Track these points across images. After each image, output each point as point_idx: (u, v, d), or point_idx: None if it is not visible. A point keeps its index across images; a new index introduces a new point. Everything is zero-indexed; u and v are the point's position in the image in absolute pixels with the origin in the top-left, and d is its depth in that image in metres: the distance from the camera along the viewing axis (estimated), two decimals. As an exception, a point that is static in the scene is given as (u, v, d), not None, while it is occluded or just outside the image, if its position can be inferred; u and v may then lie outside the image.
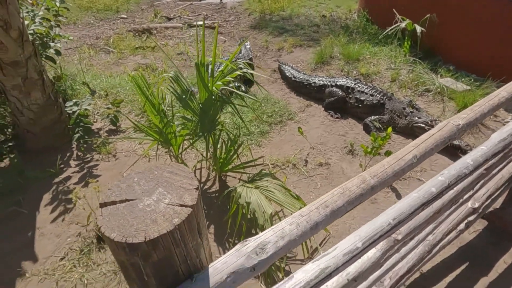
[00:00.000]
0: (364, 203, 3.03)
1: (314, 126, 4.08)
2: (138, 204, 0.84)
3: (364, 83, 4.27)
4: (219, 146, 3.08)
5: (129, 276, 0.87)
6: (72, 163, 3.51)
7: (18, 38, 3.05)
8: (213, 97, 2.85)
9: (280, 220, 2.77)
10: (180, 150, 3.12)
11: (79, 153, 3.62)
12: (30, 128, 3.47)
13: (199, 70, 2.78)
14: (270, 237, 0.97)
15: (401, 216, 1.49)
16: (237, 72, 2.83)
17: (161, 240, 0.78)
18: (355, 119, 4.17)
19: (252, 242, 0.95)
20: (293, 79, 4.74)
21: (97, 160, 3.53)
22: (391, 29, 5.28)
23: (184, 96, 2.81)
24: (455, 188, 1.91)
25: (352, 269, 1.49)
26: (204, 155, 3.17)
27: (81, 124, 3.57)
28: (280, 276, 2.39)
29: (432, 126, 3.55)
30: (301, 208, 2.31)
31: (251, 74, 4.71)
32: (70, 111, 3.59)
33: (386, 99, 4.00)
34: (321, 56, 5.36)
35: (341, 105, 4.24)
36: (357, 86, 4.19)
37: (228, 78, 2.83)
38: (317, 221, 1.03)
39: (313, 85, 4.50)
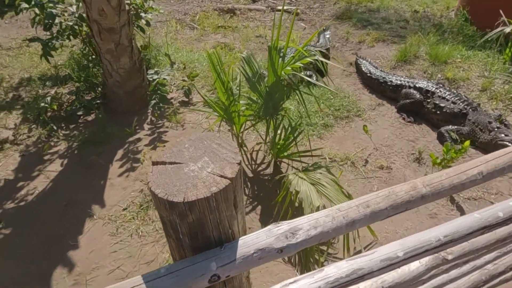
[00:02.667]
0: (422, 215, 2.84)
1: (382, 127, 3.88)
2: (184, 168, 0.91)
3: (448, 88, 3.90)
4: (279, 131, 3.10)
5: (167, 231, 0.95)
6: (146, 126, 3.84)
7: (116, 7, 3.38)
8: (281, 82, 2.87)
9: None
10: (242, 130, 3.22)
11: (153, 119, 3.94)
12: (116, 90, 3.86)
13: (271, 54, 2.81)
14: (303, 224, 0.98)
15: (455, 235, 1.38)
16: (308, 59, 2.80)
17: (197, 203, 0.84)
18: (430, 126, 3.86)
19: (285, 226, 0.98)
20: (368, 74, 4.53)
21: (167, 127, 3.81)
22: (494, 33, 4.70)
23: (253, 78, 2.88)
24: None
25: (390, 278, 1.43)
26: (264, 138, 3.22)
27: (158, 92, 3.86)
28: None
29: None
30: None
31: (324, 65, 4.62)
32: (151, 79, 3.90)
33: (470, 109, 3.61)
34: (404, 54, 5.01)
35: (417, 109, 3.95)
36: (438, 90, 3.85)
37: (298, 64, 2.82)
38: (354, 219, 1.01)
39: (389, 83, 4.25)
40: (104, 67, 3.75)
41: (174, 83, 4.48)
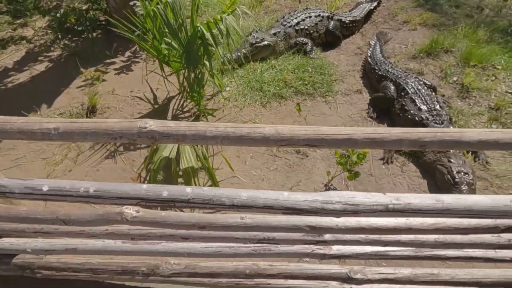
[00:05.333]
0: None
1: (339, 115, 3.54)
2: None
3: (430, 92, 3.28)
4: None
5: None
6: (127, 54, 4.24)
7: None
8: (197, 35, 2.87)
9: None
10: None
11: (137, 49, 4.30)
12: (113, 15, 4.28)
13: (193, 4, 2.80)
14: None
15: (106, 194, 1.43)
16: (218, 17, 2.71)
17: None
18: (391, 129, 3.36)
19: None
20: (369, 58, 4.02)
21: (141, 59, 4.14)
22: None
23: (173, 25, 2.92)
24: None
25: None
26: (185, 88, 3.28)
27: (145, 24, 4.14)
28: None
29: (455, 183, 2.59)
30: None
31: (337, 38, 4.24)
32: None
33: (433, 122, 3.02)
34: (431, 45, 4.22)
35: (388, 107, 3.45)
36: (414, 91, 3.26)
37: (210, 19, 2.76)
38: None
39: (377, 71, 3.73)
40: (105, -8, 4.17)
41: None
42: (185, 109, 3.49)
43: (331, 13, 4.62)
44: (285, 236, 1.67)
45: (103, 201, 1.44)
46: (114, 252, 1.92)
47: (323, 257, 1.82)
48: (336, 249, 1.81)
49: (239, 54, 3.89)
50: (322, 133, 1.15)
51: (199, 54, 2.97)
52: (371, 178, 2.92)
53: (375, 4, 5.22)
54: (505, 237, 1.60)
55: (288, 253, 1.82)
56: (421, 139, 1.12)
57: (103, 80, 3.81)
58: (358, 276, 1.91)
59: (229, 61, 3.42)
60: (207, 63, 2.93)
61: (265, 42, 4.00)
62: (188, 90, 3.16)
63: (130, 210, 1.56)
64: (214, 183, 2.56)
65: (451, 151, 2.80)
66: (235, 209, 1.40)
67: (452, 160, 2.72)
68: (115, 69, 3.99)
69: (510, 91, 3.62)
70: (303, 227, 1.53)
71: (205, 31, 2.75)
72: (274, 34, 4.17)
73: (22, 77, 3.89)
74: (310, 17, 4.43)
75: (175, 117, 3.40)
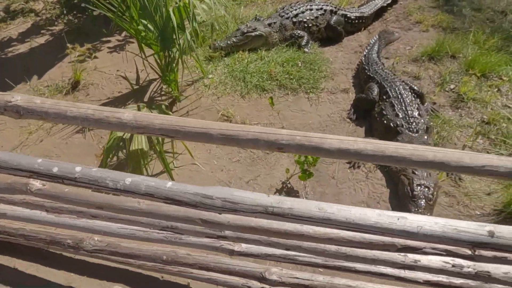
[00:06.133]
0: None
1: (317, 112, 3.42)
2: None
3: (413, 98, 3.08)
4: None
5: None
6: (124, 33, 4.31)
7: None
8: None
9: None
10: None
11: (135, 29, 4.36)
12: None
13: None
14: None
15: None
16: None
17: None
18: (367, 133, 3.20)
19: None
20: (362, 58, 3.84)
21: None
22: None
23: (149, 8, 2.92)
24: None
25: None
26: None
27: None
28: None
29: (413, 196, 2.44)
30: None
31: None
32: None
33: (407, 130, 2.84)
34: (436, 49, 3.95)
35: (369, 109, 3.29)
36: (396, 96, 3.08)
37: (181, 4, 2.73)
38: None
39: (366, 71, 3.56)
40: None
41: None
42: (162, 92, 3.52)
43: (335, 7, 4.44)
44: (187, 227, 1.65)
45: (-1, 171, 1.49)
46: (39, 222, 1.99)
47: (231, 253, 1.79)
48: (245, 247, 1.77)
49: (228, 42, 3.85)
50: (178, 124, 1.11)
51: (173, 37, 2.97)
52: (333, 181, 2.82)
53: (389, 1, 4.93)
54: (412, 257, 1.49)
55: (198, 244, 1.81)
56: (278, 141, 1.05)
57: (95, 57, 3.91)
58: (273, 277, 1.86)
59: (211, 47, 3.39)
60: (178, 46, 2.92)
61: (257, 32, 3.92)
62: (161, 73, 3.17)
63: (36, 183, 1.61)
64: (166, 167, 2.58)
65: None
66: (118, 193, 1.40)
67: (416, 171, 2.56)
68: (109, 48, 4.08)
69: (510, 105, 3.33)
70: (195, 220, 1.51)
71: (172, 15, 2.74)
72: (269, 24, 4.07)
73: (22, 48, 4.08)
74: (311, 9, 4.29)
75: (151, 99, 3.43)
